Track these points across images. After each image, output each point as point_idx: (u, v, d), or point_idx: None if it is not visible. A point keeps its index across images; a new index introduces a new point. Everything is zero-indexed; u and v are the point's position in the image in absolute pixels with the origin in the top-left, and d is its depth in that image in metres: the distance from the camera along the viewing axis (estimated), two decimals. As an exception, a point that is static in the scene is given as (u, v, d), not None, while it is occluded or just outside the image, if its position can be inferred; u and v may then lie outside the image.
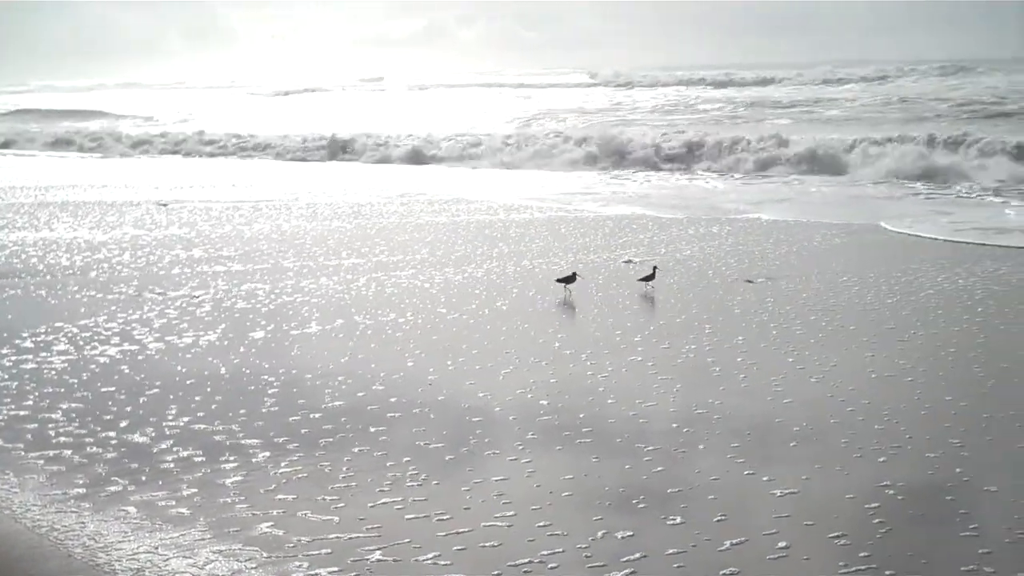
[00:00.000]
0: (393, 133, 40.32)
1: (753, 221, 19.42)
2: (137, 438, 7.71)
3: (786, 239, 16.85)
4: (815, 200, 23.23)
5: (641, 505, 6.43)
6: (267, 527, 6.15)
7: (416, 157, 36.42)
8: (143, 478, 6.95)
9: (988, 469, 6.91)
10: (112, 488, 6.78)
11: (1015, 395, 8.44)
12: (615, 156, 32.22)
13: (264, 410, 8.34)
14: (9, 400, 8.61)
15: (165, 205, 22.52)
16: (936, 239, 16.73)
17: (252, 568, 5.66)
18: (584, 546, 5.89)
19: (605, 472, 6.98)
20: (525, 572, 5.61)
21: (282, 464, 7.17)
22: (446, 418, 8.11)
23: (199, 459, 7.28)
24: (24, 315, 11.75)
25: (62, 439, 7.70)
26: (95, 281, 13.72)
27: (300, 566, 5.68)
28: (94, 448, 7.51)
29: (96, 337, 10.65)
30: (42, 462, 7.25)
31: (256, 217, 20.44)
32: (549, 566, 5.66)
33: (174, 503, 6.52)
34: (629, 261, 14.80)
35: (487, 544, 5.92)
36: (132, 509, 6.44)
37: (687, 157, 31.08)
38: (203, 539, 6.00)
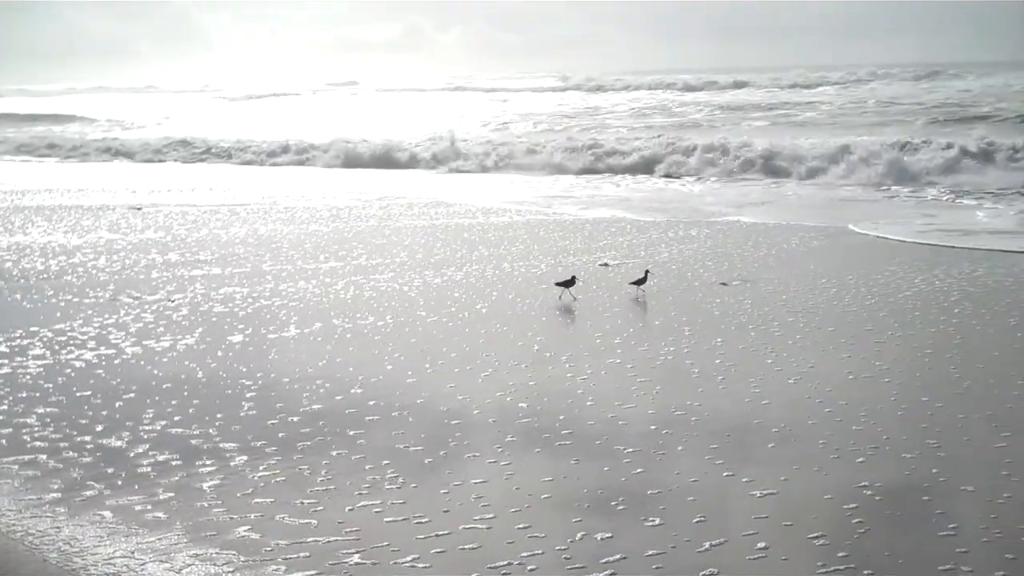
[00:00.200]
0: (358, 137, 40.22)
1: (732, 224, 19.49)
2: (113, 442, 7.64)
3: (764, 241, 16.92)
4: (793, 203, 23.35)
5: (620, 507, 6.42)
6: (244, 531, 6.11)
7: (385, 161, 36.39)
8: (119, 482, 6.89)
9: (965, 469, 6.95)
10: (88, 492, 6.72)
11: (991, 395, 8.50)
12: (591, 160, 32.24)
13: (242, 414, 8.28)
14: (-17, 405, 8.51)
15: (139, 209, 22.37)
16: (915, 242, 16.84)
17: (229, 572, 5.61)
18: (563, 548, 5.88)
19: (584, 474, 6.97)
20: (504, 574, 5.59)
21: (260, 468, 7.12)
22: (425, 421, 8.09)
23: (176, 463, 7.22)
24: (-2, 319, 11.64)
25: (37, 444, 7.62)
26: (71, 285, 13.61)
27: (278, 570, 5.64)
28: (69, 453, 7.44)
29: (72, 341, 10.56)
30: (16, 467, 7.18)
31: (233, 221, 20.35)
32: (528, 568, 5.65)
33: (150, 507, 6.46)
34: (605, 264, 14.81)
35: (466, 546, 5.90)
36: (108, 513, 6.38)
37: (663, 161, 31.11)
38: (180, 543, 5.95)
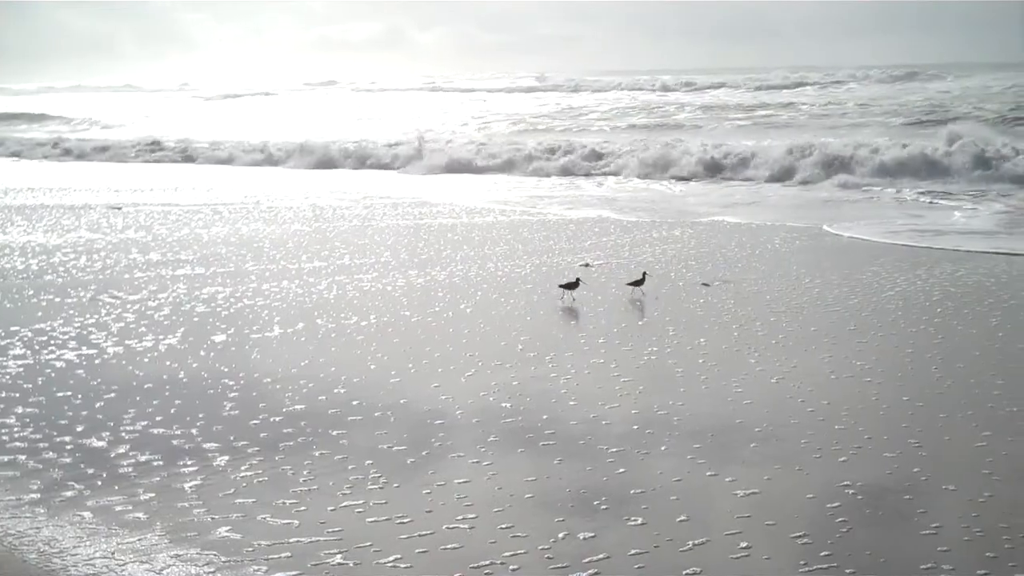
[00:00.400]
0: (325, 138, 40.19)
1: (716, 224, 19.55)
2: (93, 443, 7.58)
3: (749, 242, 16.96)
4: (774, 204, 23.43)
5: (603, 506, 6.42)
6: (225, 531, 6.07)
7: (353, 162, 36.33)
8: (99, 483, 6.83)
9: (946, 468, 6.98)
10: (67, 493, 6.67)
11: (971, 395, 8.53)
12: (573, 160, 32.22)
13: (224, 414, 8.24)
14: (-39, 405, 8.44)
15: (119, 208, 22.24)
16: (896, 244, 16.92)
17: (210, 572, 5.58)
18: (546, 547, 5.87)
19: (567, 474, 6.96)
20: (487, 574, 5.58)
21: (242, 468, 7.08)
22: (408, 421, 8.07)
23: (157, 463, 7.17)
24: (-22, 319, 11.54)
25: (16, 444, 7.55)
26: (51, 285, 13.52)
27: (259, 570, 5.61)
28: (49, 453, 7.38)
29: (52, 341, 10.49)
30: (-5, 468, 7.11)
31: (215, 220, 20.26)
32: (511, 568, 5.64)
33: (131, 508, 6.42)
34: (587, 264, 14.81)
35: (448, 546, 5.89)
36: (88, 514, 6.33)
37: (649, 161, 31.14)
38: (160, 544, 5.91)
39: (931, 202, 23.11)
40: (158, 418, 8.12)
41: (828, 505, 6.38)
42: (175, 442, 7.59)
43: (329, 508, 6.41)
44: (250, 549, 5.84)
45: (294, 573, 5.58)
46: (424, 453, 7.37)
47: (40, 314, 11.73)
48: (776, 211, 21.79)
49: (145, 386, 8.96)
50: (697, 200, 24.56)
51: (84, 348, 10.22)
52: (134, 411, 8.28)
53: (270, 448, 7.46)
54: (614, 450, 7.37)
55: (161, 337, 10.66)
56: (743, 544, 5.88)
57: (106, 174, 33.98)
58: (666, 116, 50.80)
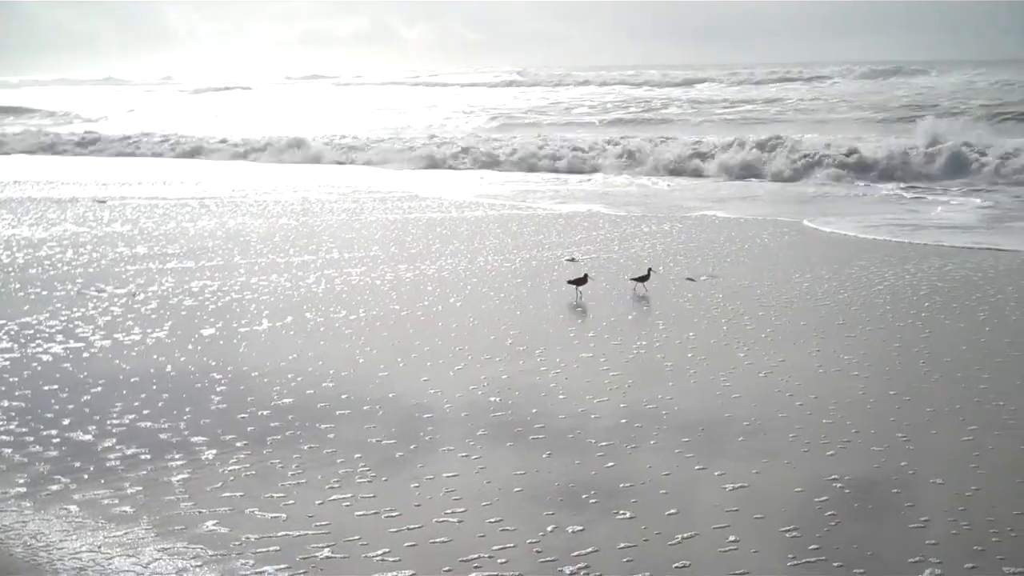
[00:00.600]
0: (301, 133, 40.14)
1: (705, 218, 19.56)
2: (80, 436, 7.54)
3: (737, 236, 16.98)
4: (764, 199, 23.45)
5: (592, 500, 6.41)
6: (213, 525, 6.05)
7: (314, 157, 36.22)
8: (86, 476, 6.80)
9: (933, 462, 7.00)
10: (54, 487, 6.63)
11: (958, 389, 8.56)
12: (562, 155, 32.12)
13: (212, 408, 8.21)
14: (-53, 398, 8.39)
15: (103, 202, 22.13)
16: (883, 239, 16.97)
17: (197, 566, 5.56)
18: (534, 541, 5.86)
19: (556, 468, 6.96)
20: (475, 567, 5.57)
21: (229, 462, 7.05)
22: (396, 415, 8.05)
23: (144, 457, 7.14)
24: (-36, 312, 11.47)
25: (2, 437, 7.51)
26: (37, 278, 13.44)
27: (246, 564, 5.59)
28: (35, 447, 7.33)
29: (39, 335, 10.43)
30: (-19, 461, 7.07)
31: (201, 214, 20.19)
32: (499, 561, 5.63)
33: (117, 501, 6.39)
34: (573, 259, 14.80)
35: (437, 540, 5.88)
36: (74, 508, 6.30)
37: (636, 156, 31.11)
38: (147, 537, 5.88)
39: (915, 198, 23.21)
40: (145, 412, 8.08)
41: (816, 499, 6.39)
42: (162, 436, 7.56)
43: (317, 502, 6.39)
44: (237, 543, 5.82)
45: (282, 567, 5.56)
46: (413, 447, 7.35)
47: (27, 307, 11.66)
48: (764, 206, 21.82)
49: (132, 380, 8.92)
50: (685, 195, 24.57)
51: (71, 342, 10.17)
52: (121, 405, 8.24)
53: (258, 442, 7.43)
54: (603, 444, 7.37)
55: (148, 331, 10.61)
56: (732, 537, 5.89)
57: (92, 167, 33.81)
58: (652, 111, 50.86)
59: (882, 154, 27.58)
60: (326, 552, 5.73)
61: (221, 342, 10.22)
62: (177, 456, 7.15)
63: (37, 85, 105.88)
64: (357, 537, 5.90)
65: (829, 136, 31.55)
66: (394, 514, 6.20)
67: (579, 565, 5.59)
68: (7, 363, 9.41)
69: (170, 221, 19.06)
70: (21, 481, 6.72)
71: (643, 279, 12.60)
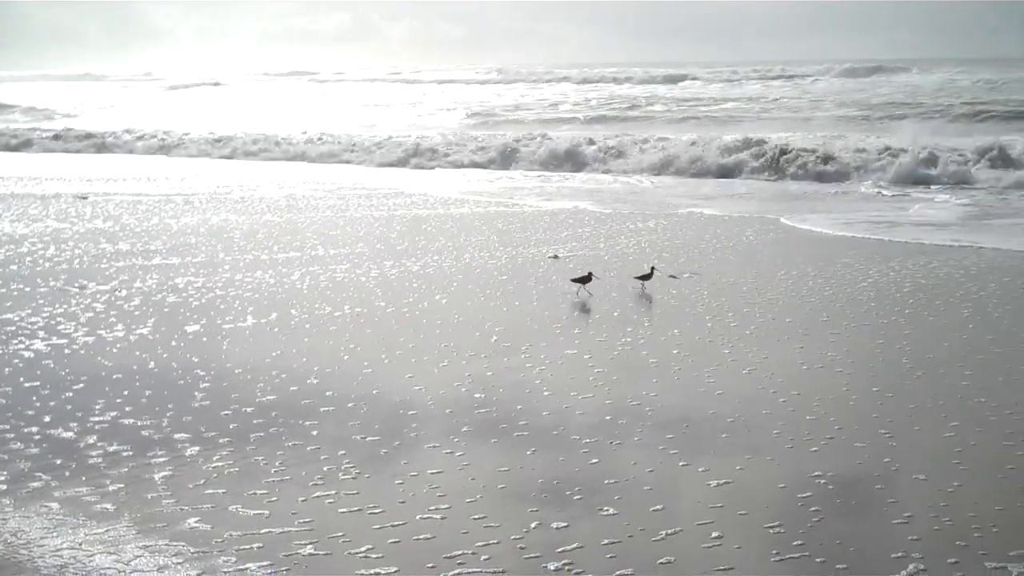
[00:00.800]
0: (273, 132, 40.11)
1: (691, 215, 19.59)
2: (61, 433, 7.49)
3: (723, 233, 17.01)
4: (747, 197, 23.51)
5: (576, 496, 6.41)
6: (195, 522, 6.01)
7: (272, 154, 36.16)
8: (67, 473, 6.75)
9: (916, 458, 7.02)
10: (34, 484, 6.58)
11: (941, 385, 8.60)
12: (548, 152, 32.01)
13: (195, 404, 8.16)
14: (-73, 395, 8.32)
15: (85, 198, 22.00)
16: (865, 237, 17.04)
17: (178, 563, 5.52)
18: (518, 537, 5.85)
19: (540, 464, 6.95)
20: (459, 564, 5.56)
21: (212, 459, 7.02)
22: (381, 412, 8.03)
23: (126, 454, 7.09)
24: (-56, 309, 11.38)
25: (-18, 435, 7.45)
26: (18, 275, 13.35)
27: (228, 561, 5.56)
28: (16, 444, 7.28)
29: (20, 332, 10.35)
30: (-39, 458, 7.02)
31: (185, 210, 20.10)
32: (483, 558, 5.62)
33: (99, 498, 6.35)
34: (555, 256, 14.78)
35: (421, 537, 5.86)
36: (55, 505, 6.26)
37: (622, 155, 31.09)
38: (128, 535, 5.85)
39: (895, 195, 23.32)
40: (128, 409, 8.03)
41: (800, 495, 6.41)
42: (145, 433, 7.51)
43: (300, 499, 6.36)
44: (219, 540, 5.79)
45: (265, 564, 5.53)
46: (397, 444, 7.33)
47: (9, 304, 11.58)
48: (747, 203, 21.86)
49: (114, 377, 8.87)
50: (670, 192, 24.61)
51: (53, 338, 10.10)
52: (103, 402, 8.19)
53: (241, 439, 7.40)
54: (587, 440, 7.37)
55: (131, 327, 10.55)
56: (716, 533, 5.89)
57: (73, 163, 33.62)
58: (636, 108, 50.94)
59: (863, 152, 27.72)
60: (309, 549, 5.71)
61: (205, 339, 10.17)
62: (159, 453, 7.11)
63: (22, 81, 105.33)
64: (341, 534, 5.88)
65: (810, 133, 31.71)
66: (378, 511, 6.18)
67: (563, 561, 5.58)
68: (-12, 360, 9.34)
69: (153, 217, 18.97)
70: (1, 478, 6.67)
71: (646, 277, 12.52)
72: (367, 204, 21.60)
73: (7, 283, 12.77)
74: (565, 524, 6.02)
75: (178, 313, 11.22)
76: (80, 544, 5.74)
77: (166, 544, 5.73)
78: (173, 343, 9.98)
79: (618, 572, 5.48)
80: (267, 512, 6.16)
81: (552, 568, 5.51)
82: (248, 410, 8.02)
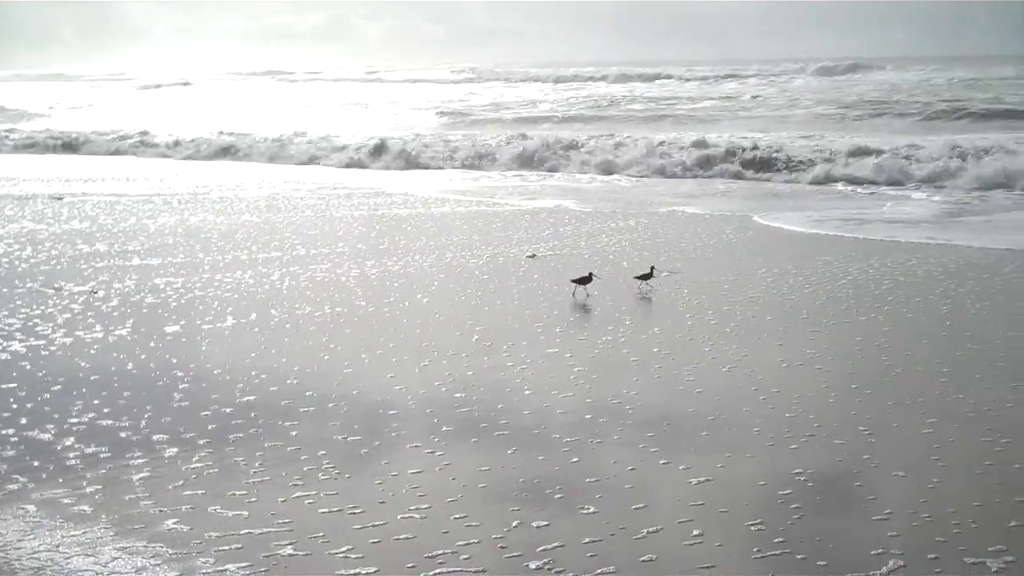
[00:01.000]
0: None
1: (673, 214, 19.63)
2: (38, 435, 7.42)
3: (703, 231, 17.05)
4: (727, 196, 23.58)
5: (557, 495, 6.41)
6: (173, 523, 5.97)
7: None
8: (44, 476, 6.69)
9: (895, 455, 7.05)
10: (11, 486, 6.52)
11: (919, 382, 8.64)
12: (528, 152, 31.93)
13: (174, 405, 8.11)
14: (-99, 398, 8.23)
15: (60, 199, 21.83)
16: (841, 235, 17.13)
17: (157, 565, 5.48)
18: (499, 536, 5.84)
19: (521, 463, 6.94)
20: (440, 564, 5.54)
21: (192, 460, 6.97)
22: (361, 412, 8.00)
23: (104, 456, 7.04)
24: (-81, 310, 11.27)
25: (-42, 437, 7.38)
26: (-4, 275, 13.23)
27: (207, 562, 5.52)
28: (-8, 446, 7.21)
29: (-4, 332, 10.26)
30: (-64, 461, 6.94)
31: (163, 210, 19.98)
32: (463, 557, 5.60)
33: (76, 500, 6.29)
34: (533, 255, 14.77)
35: (401, 536, 5.84)
36: (32, 507, 6.20)
37: (600, 154, 31.07)
38: (106, 537, 5.80)
39: (870, 193, 23.52)
40: (106, 410, 7.97)
41: (780, 492, 6.42)
42: (123, 434, 7.46)
43: (280, 499, 6.33)
44: (198, 541, 5.75)
45: (244, 565, 5.50)
46: (377, 444, 7.31)
47: (-16, 305, 11.48)
48: (727, 202, 21.94)
49: (92, 378, 8.80)
50: (650, 191, 24.65)
51: (30, 340, 10.01)
52: (81, 403, 8.13)
53: (221, 440, 7.36)
54: (568, 439, 7.37)
55: (109, 328, 10.48)
56: (696, 531, 5.90)
57: (48, 164, 33.36)
58: (614, 106, 51.04)
59: (835, 151, 27.93)
60: (289, 550, 5.68)
61: (184, 340, 10.11)
62: (138, 454, 7.06)
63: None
64: (321, 534, 5.85)
65: (786, 132, 31.82)
66: (358, 511, 6.16)
67: (544, 560, 5.58)
68: (-36, 361, 9.25)
69: (130, 217, 18.84)
70: (-23, 481, 6.61)
71: (646, 277, 12.46)
72: (348, 204, 21.54)
73: (-17, 284, 12.66)
74: (546, 523, 6.01)
75: (157, 314, 11.14)
76: (57, 546, 5.69)
77: (144, 546, 5.69)
78: (152, 344, 9.92)
79: (599, 570, 5.48)
80: (246, 513, 6.12)
81: (533, 567, 5.51)
82: (227, 411, 7.97)
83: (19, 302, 11.63)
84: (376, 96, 68.22)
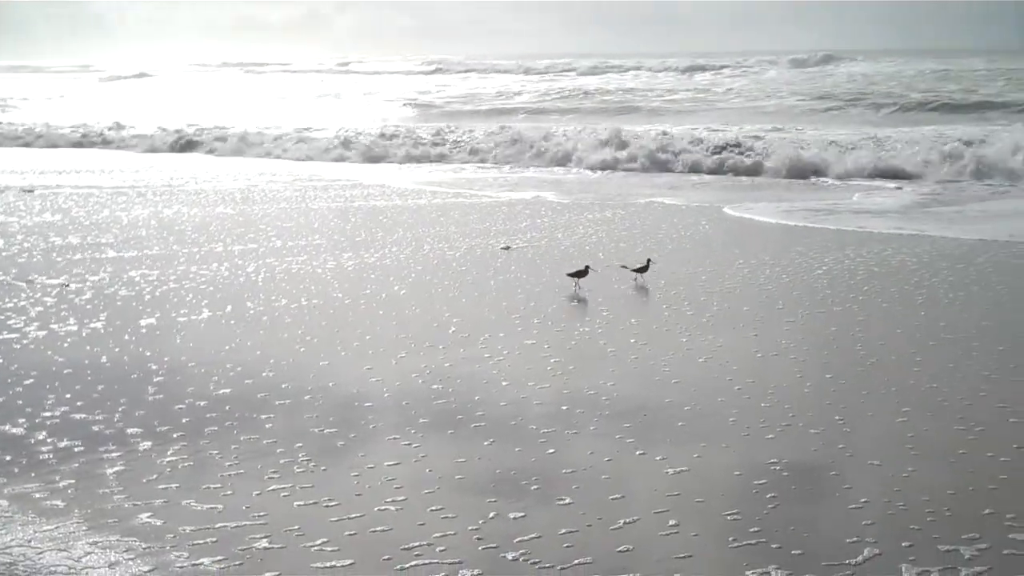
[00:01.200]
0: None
1: (651, 205, 19.66)
2: (10, 429, 7.34)
3: (679, 222, 17.09)
4: (703, 189, 23.65)
5: (533, 487, 6.40)
6: (147, 517, 5.92)
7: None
8: (15, 470, 6.62)
9: (870, 444, 7.09)
10: (-18, 482, 6.45)
11: (893, 372, 8.69)
12: (505, 144, 31.85)
13: (148, 399, 8.05)
14: None
15: (31, 191, 21.61)
16: (816, 227, 17.21)
17: (130, 559, 5.44)
18: (475, 528, 5.83)
19: (497, 455, 6.93)
20: (416, 556, 5.52)
21: (166, 453, 6.92)
22: (336, 404, 7.96)
23: (77, 449, 6.97)
24: None
25: (-72, 432, 7.29)
26: (-33, 268, 13.08)
27: (181, 556, 5.48)
28: (-37, 441, 7.13)
29: (-33, 326, 10.15)
30: (-95, 456, 6.86)
31: (136, 202, 19.81)
32: (439, 549, 5.59)
33: (48, 495, 6.23)
34: (507, 248, 14.76)
35: (377, 529, 5.82)
36: (4, 502, 6.13)
37: (579, 146, 31.06)
38: (78, 531, 5.75)
39: (836, 186, 23.68)
40: (79, 404, 7.90)
41: (756, 482, 6.44)
42: (96, 428, 7.39)
43: (255, 492, 6.29)
44: (172, 535, 5.71)
45: (218, 558, 5.46)
46: (353, 436, 7.28)
47: (-45, 298, 11.35)
48: (709, 193, 22.00)
49: (65, 371, 8.71)
50: (625, 182, 24.68)
51: (3, 333, 9.91)
52: (54, 397, 8.05)
53: (195, 433, 7.30)
54: (544, 430, 7.36)
55: (83, 321, 10.38)
56: (673, 521, 5.91)
57: (22, 157, 33.04)
58: (589, 99, 51.06)
59: (808, 142, 28.13)
60: (264, 543, 5.64)
61: (158, 332, 10.03)
62: (111, 448, 7.00)
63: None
64: (296, 527, 5.82)
65: (759, 124, 31.93)
66: (333, 503, 6.13)
67: (520, 551, 5.57)
68: (-66, 355, 9.14)
69: (103, 210, 18.68)
70: (-52, 476, 6.53)
71: (642, 270, 12.43)
72: (324, 196, 21.44)
73: (-46, 277, 12.51)
74: (522, 514, 6.00)
75: (131, 307, 11.05)
76: (29, 541, 5.63)
77: (117, 540, 5.64)
78: (126, 337, 9.83)
79: (576, 561, 5.48)
80: (221, 506, 6.08)
81: (510, 558, 5.50)
82: (202, 404, 7.92)
83: (-10, 295, 11.51)
84: (348, 87, 67.95)
